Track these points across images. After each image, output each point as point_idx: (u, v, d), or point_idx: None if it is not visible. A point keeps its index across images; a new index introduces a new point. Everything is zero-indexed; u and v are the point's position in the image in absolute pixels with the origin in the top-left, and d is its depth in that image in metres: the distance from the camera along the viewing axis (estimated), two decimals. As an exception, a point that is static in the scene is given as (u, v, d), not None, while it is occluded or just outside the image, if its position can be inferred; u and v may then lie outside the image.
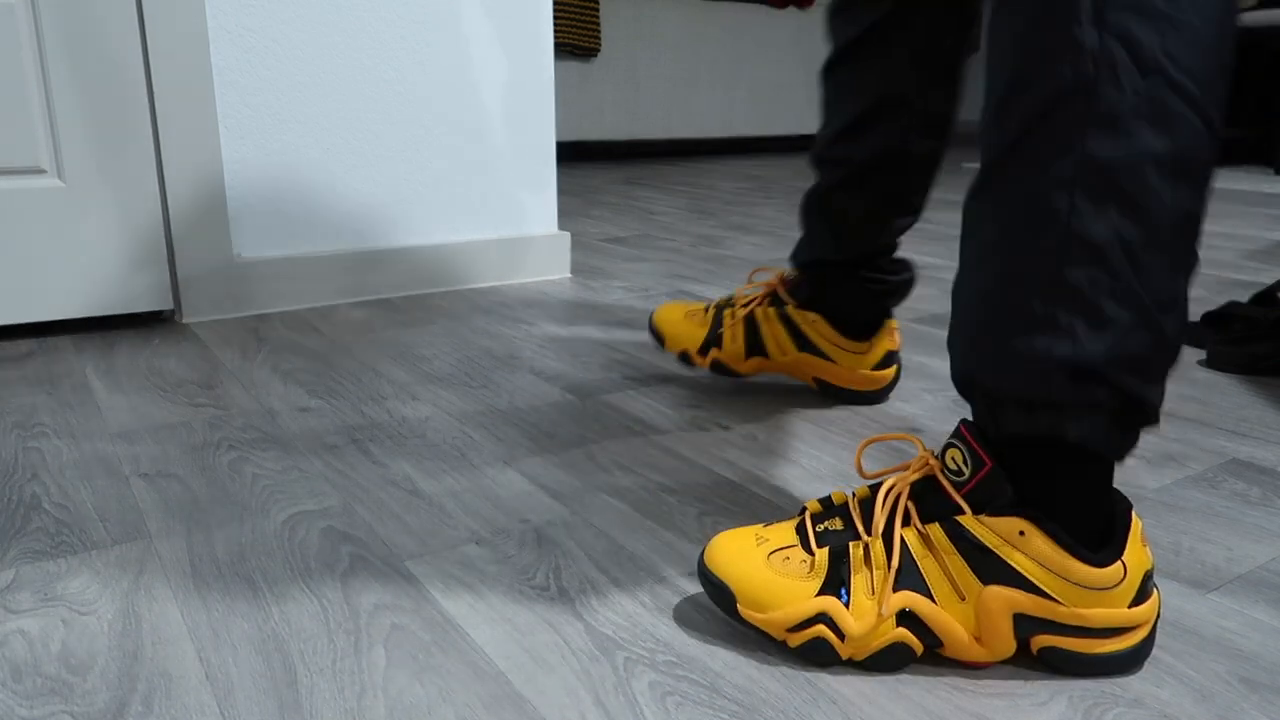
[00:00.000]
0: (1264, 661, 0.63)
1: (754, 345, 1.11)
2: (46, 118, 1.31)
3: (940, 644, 0.62)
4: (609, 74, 4.11)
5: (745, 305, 1.12)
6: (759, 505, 0.86)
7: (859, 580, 0.63)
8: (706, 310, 1.16)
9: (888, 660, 0.62)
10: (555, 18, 3.86)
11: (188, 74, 1.39)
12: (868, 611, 0.62)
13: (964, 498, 0.62)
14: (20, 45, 1.28)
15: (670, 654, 0.64)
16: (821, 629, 0.62)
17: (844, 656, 0.62)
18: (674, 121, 4.39)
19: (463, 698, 0.59)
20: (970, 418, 0.73)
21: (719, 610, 0.69)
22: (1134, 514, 0.62)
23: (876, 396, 1.11)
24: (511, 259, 1.76)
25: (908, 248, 2.18)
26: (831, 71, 1.01)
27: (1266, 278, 1.86)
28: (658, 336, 1.18)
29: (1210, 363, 1.27)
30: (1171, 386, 1.19)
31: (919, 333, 1.44)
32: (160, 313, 1.49)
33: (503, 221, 1.75)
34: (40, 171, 1.32)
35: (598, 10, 3.95)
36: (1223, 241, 2.27)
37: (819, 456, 0.97)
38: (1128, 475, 0.93)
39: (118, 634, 0.66)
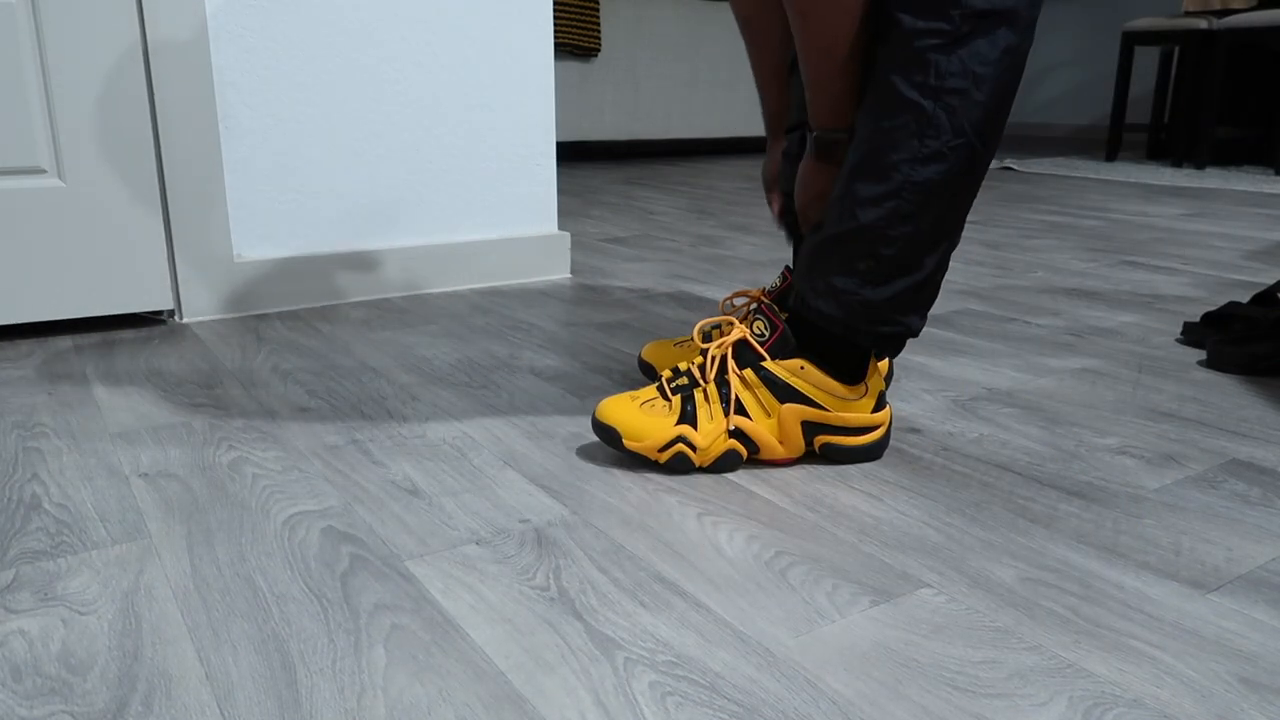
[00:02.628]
0: (1264, 661, 0.63)
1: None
2: (46, 118, 1.31)
3: (758, 449, 0.93)
4: (609, 74, 4.11)
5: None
6: (759, 505, 0.86)
7: (702, 413, 0.92)
8: (681, 343, 1.17)
9: (724, 463, 0.92)
10: (555, 18, 3.86)
11: (188, 74, 1.39)
12: (709, 432, 0.91)
13: (765, 350, 0.92)
14: (20, 45, 1.28)
15: (670, 654, 0.64)
16: (680, 446, 0.91)
17: (697, 464, 0.92)
18: (674, 121, 4.39)
19: (463, 698, 0.59)
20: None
21: (609, 447, 0.93)
22: (873, 355, 0.94)
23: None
24: (511, 259, 1.76)
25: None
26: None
27: (1266, 278, 1.86)
28: (648, 370, 1.18)
29: (1210, 363, 1.27)
30: (1172, 387, 1.19)
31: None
32: (160, 313, 1.49)
33: (503, 221, 1.75)
34: (40, 171, 1.32)
35: (598, 10, 3.95)
36: (1223, 241, 2.27)
37: (818, 456, 0.97)
38: (1128, 475, 0.93)
39: (118, 634, 0.66)
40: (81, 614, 0.68)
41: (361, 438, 1.01)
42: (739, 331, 0.94)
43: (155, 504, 0.85)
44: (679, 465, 0.92)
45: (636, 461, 0.95)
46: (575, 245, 2.16)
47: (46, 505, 0.85)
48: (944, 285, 1.77)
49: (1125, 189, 3.35)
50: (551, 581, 0.73)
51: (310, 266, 1.55)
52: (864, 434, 0.94)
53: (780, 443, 0.93)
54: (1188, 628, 0.67)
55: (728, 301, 1.13)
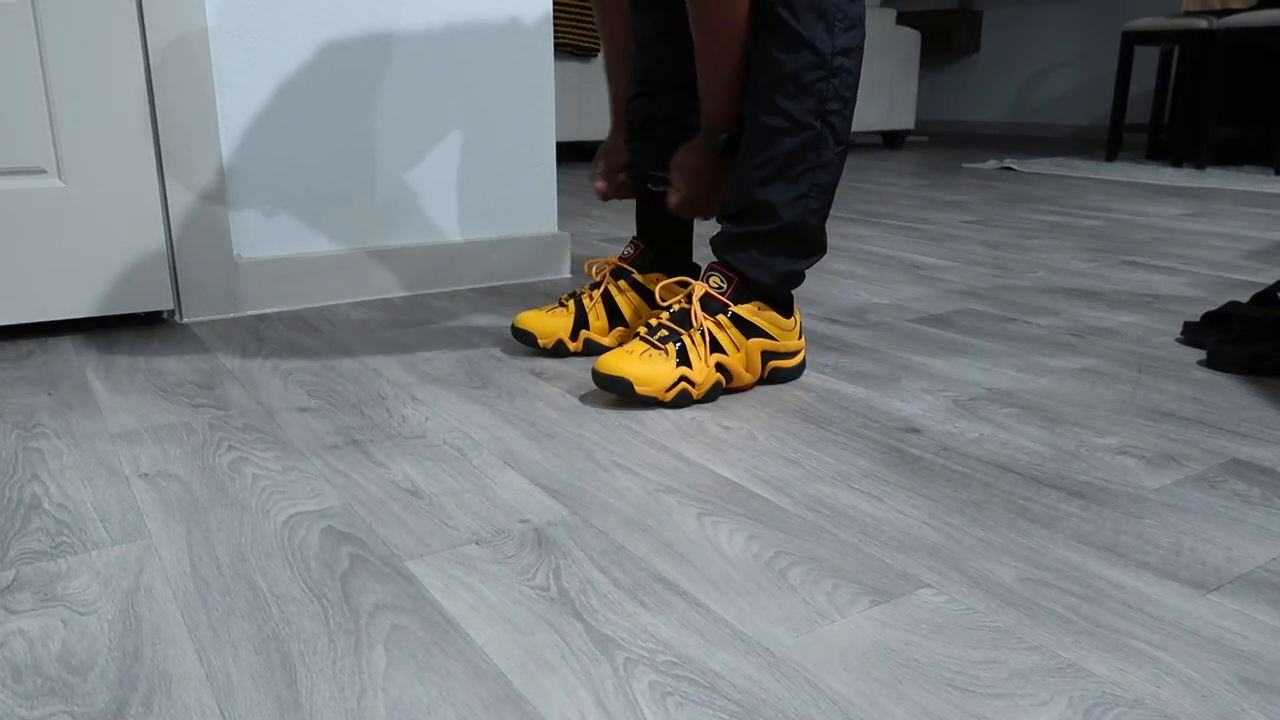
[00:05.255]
0: (1264, 661, 0.63)
1: (614, 317, 1.32)
2: (46, 118, 1.31)
3: (732, 378, 1.14)
4: (609, 74, 4.10)
5: (597, 287, 1.32)
6: (759, 505, 0.86)
7: (694, 355, 1.10)
8: (562, 304, 1.31)
9: (712, 393, 1.12)
10: (555, 18, 3.86)
11: (188, 74, 1.39)
12: (701, 369, 1.10)
13: (728, 299, 1.13)
14: (20, 45, 1.28)
15: (670, 654, 0.64)
16: (683, 384, 1.09)
17: (695, 397, 1.10)
18: (674, 121, 4.37)
19: (463, 698, 0.59)
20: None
21: (618, 394, 1.08)
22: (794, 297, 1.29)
23: None
24: (511, 259, 1.76)
25: (905, 247, 2.18)
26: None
27: (1266, 278, 1.86)
28: (526, 338, 1.29)
29: (1210, 363, 1.27)
30: (1172, 387, 1.19)
31: (919, 333, 1.44)
32: (160, 313, 1.49)
33: (503, 221, 1.75)
34: (40, 171, 1.32)
35: (598, 10, 3.94)
36: (1223, 241, 2.27)
37: (819, 456, 0.97)
38: (1128, 475, 0.93)
39: (118, 634, 0.66)
40: (81, 614, 0.68)
41: (361, 438, 1.01)
42: (700, 288, 1.14)
43: (155, 504, 0.85)
44: (682, 401, 1.10)
45: (636, 461, 0.95)
46: (575, 245, 2.16)
47: (46, 505, 0.85)
48: (944, 285, 1.78)
49: (1125, 189, 3.35)
50: (551, 581, 0.73)
51: (310, 266, 1.55)
52: (795, 356, 1.19)
53: (746, 370, 1.14)
54: (1188, 628, 0.67)
55: (590, 265, 1.34)
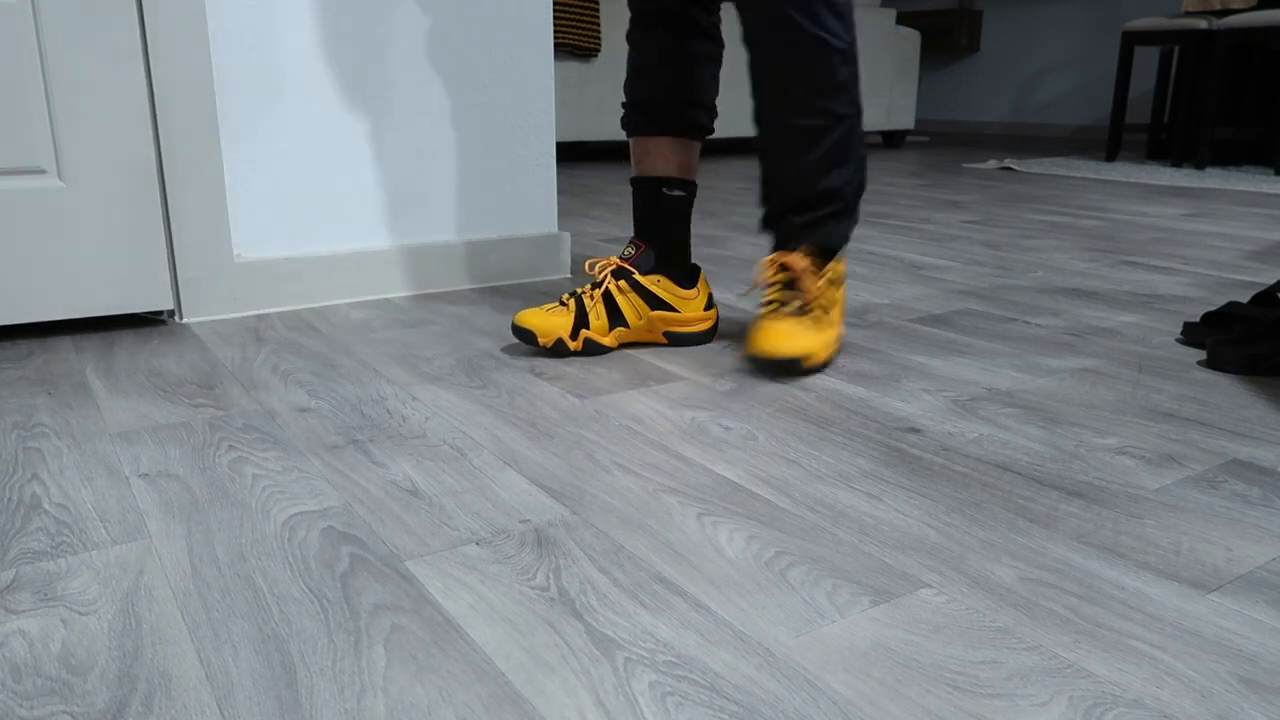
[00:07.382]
0: (1264, 661, 0.63)
1: (614, 317, 1.32)
2: (46, 118, 1.31)
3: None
4: (609, 74, 4.11)
5: (598, 286, 1.33)
6: (759, 505, 0.86)
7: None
8: (563, 303, 1.32)
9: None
10: (555, 18, 3.86)
11: (188, 74, 1.39)
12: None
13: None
14: (20, 45, 1.28)
15: (670, 654, 0.64)
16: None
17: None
18: (674, 121, 4.37)
19: (463, 698, 0.59)
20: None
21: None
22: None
23: (709, 335, 1.39)
24: (511, 259, 1.76)
25: (905, 247, 2.18)
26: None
27: (1266, 278, 1.86)
28: (527, 336, 1.29)
29: (1210, 363, 1.27)
30: (1171, 387, 1.19)
31: (919, 333, 1.44)
32: (160, 313, 1.49)
33: (503, 221, 1.75)
34: (40, 171, 1.32)
35: (598, 10, 3.95)
36: (1223, 241, 2.27)
37: (819, 456, 0.97)
38: (1128, 475, 0.93)
39: (118, 634, 0.66)
40: (81, 614, 0.68)
41: (361, 438, 1.01)
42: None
43: (155, 504, 0.85)
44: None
45: (636, 461, 0.95)
46: (575, 245, 2.16)
47: (46, 505, 0.85)
48: (944, 285, 1.78)
49: (1125, 189, 3.35)
50: (551, 581, 0.73)
51: (310, 266, 1.55)
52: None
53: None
54: (1188, 628, 0.67)
55: (590, 263, 1.37)
